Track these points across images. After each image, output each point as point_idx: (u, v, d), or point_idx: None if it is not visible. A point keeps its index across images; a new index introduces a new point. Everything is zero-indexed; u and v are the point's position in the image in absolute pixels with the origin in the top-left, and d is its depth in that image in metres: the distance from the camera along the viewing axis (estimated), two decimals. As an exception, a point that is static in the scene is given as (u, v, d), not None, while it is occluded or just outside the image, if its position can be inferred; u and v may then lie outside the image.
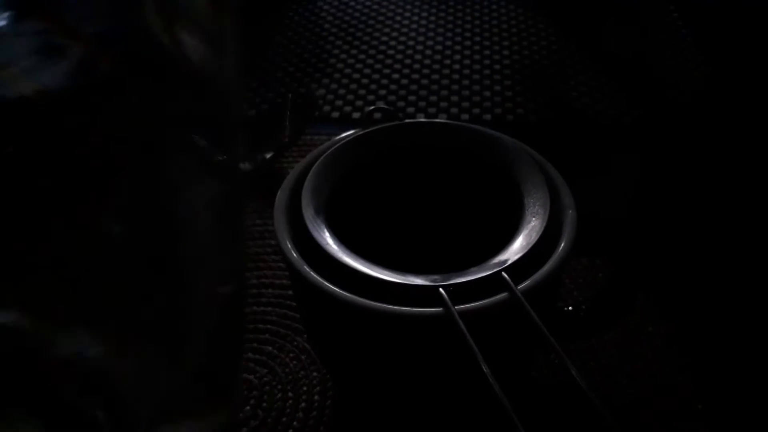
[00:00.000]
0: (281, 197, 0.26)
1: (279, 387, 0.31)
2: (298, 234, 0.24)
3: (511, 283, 0.21)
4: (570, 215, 0.24)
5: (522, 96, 0.48)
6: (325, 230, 0.24)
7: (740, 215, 0.39)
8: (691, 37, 0.52)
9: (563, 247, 0.22)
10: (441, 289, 0.21)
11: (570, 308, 0.29)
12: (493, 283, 0.21)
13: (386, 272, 0.22)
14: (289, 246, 0.23)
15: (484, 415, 0.24)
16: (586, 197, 0.27)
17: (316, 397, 0.30)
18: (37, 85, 0.61)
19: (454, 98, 0.49)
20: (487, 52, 0.54)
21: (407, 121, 0.29)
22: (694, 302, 0.34)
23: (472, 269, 0.22)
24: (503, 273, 0.22)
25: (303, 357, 0.32)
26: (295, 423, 0.29)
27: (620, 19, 0.57)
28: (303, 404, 0.30)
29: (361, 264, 0.22)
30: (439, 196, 0.29)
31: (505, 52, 0.53)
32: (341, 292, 0.21)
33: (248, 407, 0.30)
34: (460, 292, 0.21)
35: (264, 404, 0.30)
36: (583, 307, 0.29)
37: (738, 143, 0.44)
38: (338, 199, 0.26)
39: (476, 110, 0.48)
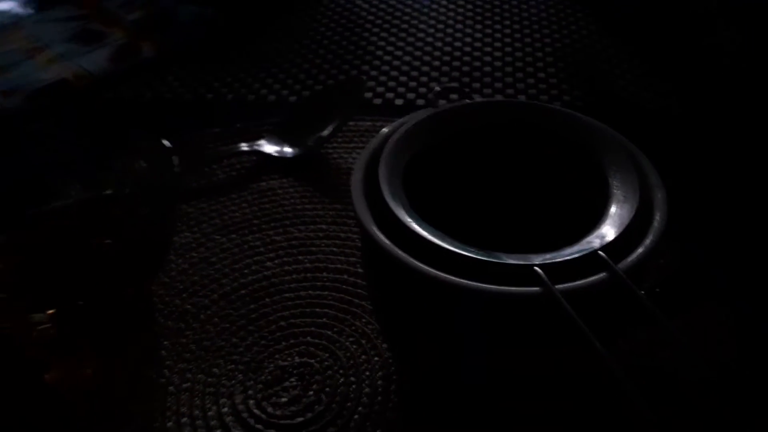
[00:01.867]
0: (356, 179, 0.25)
1: (341, 372, 0.30)
2: (377, 216, 0.24)
3: (611, 262, 0.21)
4: (660, 196, 0.23)
5: (567, 82, 0.48)
6: (408, 211, 0.23)
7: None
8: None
9: (658, 226, 0.22)
10: (537, 268, 0.21)
11: (643, 292, 0.29)
12: (589, 262, 0.21)
13: (476, 251, 0.22)
14: (374, 229, 0.23)
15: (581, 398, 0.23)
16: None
17: (379, 382, 0.30)
18: (76, 68, 0.59)
19: (498, 85, 0.48)
20: (528, 40, 0.53)
21: (480, 100, 0.29)
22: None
23: (566, 249, 0.22)
24: (600, 252, 0.21)
25: (363, 341, 0.31)
26: (360, 408, 0.29)
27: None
28: (367, 389, 0.29)
29: (449, 243, 0.22)
30: (519, 176, 0.28)
31: (547, 40, 0.53)
32: (437, 272, 0.21)
33: (311, 392, 0.29)
34: (554, 272, 0.21)
35: (327, 389, 0.29)
36: (657, 290, 0.28)
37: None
38: (415, 179, 0.25)
39: (521, 97, 0.47)
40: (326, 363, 0.31)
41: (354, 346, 0.31)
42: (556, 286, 0.20)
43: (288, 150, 0.42)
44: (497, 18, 0.56)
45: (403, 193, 0.24)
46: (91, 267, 0.32)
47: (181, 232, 0.38)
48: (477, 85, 0.48)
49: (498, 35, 0.54)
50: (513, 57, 0.51)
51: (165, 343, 0.32)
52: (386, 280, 0.24)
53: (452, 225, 0.24)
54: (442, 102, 0.29)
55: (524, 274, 0.21)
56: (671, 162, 0.41)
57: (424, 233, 0.22)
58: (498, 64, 0.51)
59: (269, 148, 0.43)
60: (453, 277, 0.21)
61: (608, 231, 0.22)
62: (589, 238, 0.22)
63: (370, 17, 0.58)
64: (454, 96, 0.29)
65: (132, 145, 0.34)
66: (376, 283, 0.26)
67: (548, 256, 0.21)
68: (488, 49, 0.52)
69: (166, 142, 0.34)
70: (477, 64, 0.51)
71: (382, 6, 0.60)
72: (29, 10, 0.63)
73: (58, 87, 0.51)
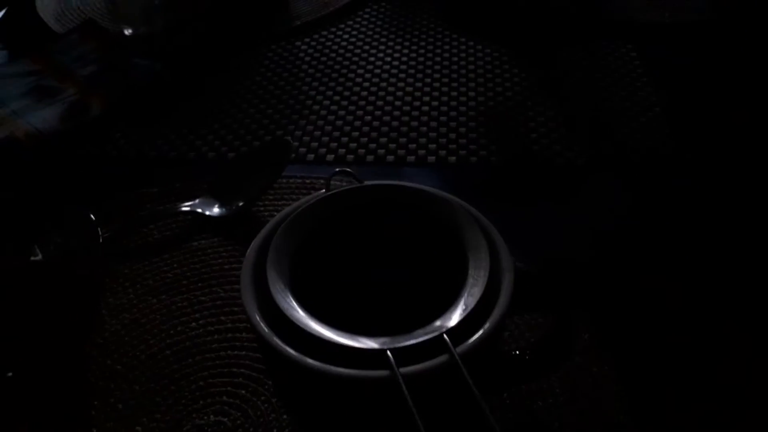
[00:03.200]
0: (247, 264, 0.28)
1: (251, 429, 0.33)
2: (263, 299, 0.27)
3: (451, 346, 0.24)
4: (507, 279, 0.26)
5: (485, 138, 0.51)
6: (286, 297, 0.26)
7: (677, 259, 0.41)
8: (658, 102, 0.55)
9: (498, 311, 0.25)
10: (388, 352, 0.24)
11: (517, 352, 0.32)
12: (436, 345, 0.24)
13: (341, 334, 0.25)
14: (256, 314, 0.26)
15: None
16: (541, 233, 0.30)
17: (285, 439, 0.33)
18: (27, 126, 0.63)
19: (422, 140, 0.52)
20: (454, 94, 0.56)
21: (365, 183, 0.32)
22: (633, 341, 0.36)
23: (418, 332, 0.25)
24: (444, 335, 0.24)
25: (273, 400, 0.34)
26: (266, 465, 0.32)
27: (585, 62, 0.60)
28: (274, 446, 0.32)
29: (319, 329, 0.25)
30: (393, 256, 0.31)
31: (471, 94, 0.56)
32: (302, 357, 0.24)
33: (223, 449, 0.32)
34: (407, 354, 0.24)
35: (237, 446, 0.32)
36: (528, 351, 0.31)
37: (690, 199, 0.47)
38: (300, 262, 0.28)
39: (443, 152, 0.50)
40: (238, 422, 0.33)
41: (265, 405, 0.34)
42: (401, 369, 0.23)
43: (218, 210, 0.45)
44: (429, 72, 0.60)
45: (288, 277, 0.27)
46: (24, 333, 0.35)
47: (117, 293, 0.41)
48: (404, 140, 0.52)
49: (427, 89, 0.57)
50: (439, 111, 0.55)
51: (95, 402, 0.35)
52: (268, 361, 0.27)
53: (332, 306, 0.27)
54: (335, 184, 0.32)
55: (381, 357, 0.24)
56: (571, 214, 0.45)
57: (299, 319, 0.25)
58: (424, 119, 0.54)
59: (203, 207, 0.45)
60: (313, 362, 0.24)
61: (454, 315, 0.25)
62: (439, 322, 0.25)
63: (310, 72, 0.61)
64: (346, 180, 0.32)
65: (61, 216, 0.37)
66: (265, 362, 0.29)
67: (402, 338, 0.24)
68: (417, 103, 0.56)
69: (92, 216, 0.37)
70: (405, 119, 0.54)
71: (323, 59, 0.63)
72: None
73: (7, 145, 0.54)
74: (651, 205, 0.45)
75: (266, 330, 0.25)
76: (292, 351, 0.24)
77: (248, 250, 0.29)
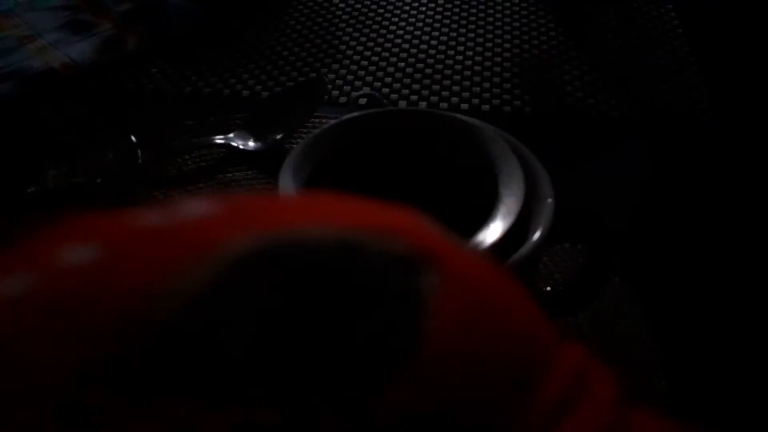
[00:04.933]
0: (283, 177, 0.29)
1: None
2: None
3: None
4: (547, 204, 0.27)
5: (519, 88, 0.51)
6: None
7: (714, 217, 0.42)
8: (691, 52, 0.54)
9: (538, 235, 0.25)
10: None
11: (548, 288, 0.32)
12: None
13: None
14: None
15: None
16: (572, 186, 0.30)
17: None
18: (63, 57, 0.63)
19: (456, 88, 0.52)
20: (489, 44, 0.56)
21: (390, 108, 0.32)
22: (663, 288, 0.37)
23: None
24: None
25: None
26: None
27: (622, 20, 0.59)
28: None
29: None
30: (418, 181, 0.32)
31: (507, 45, 0.56)
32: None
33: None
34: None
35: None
36: (560, 288, 0.32)
37: (721, 156, 0.47)
38: (319, 180, 0.29)
39: (475, 100, 0.50)
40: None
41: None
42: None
43: (254, 144, 0.46)
44: (463, 21, 0.60)
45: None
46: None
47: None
48: (437, 87, 0.52)
49: (462, 38, 0.57)
50: (473, 60, 0.55)
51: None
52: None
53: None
54: (363, 100, 0.32)
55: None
56: (609, 166, 0.45)
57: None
58: (458, 67, 0.54)
59: (237, 141, 0.46)
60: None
61: (491, 234, 0.25)
62: (475, 239, 0.25)
63: (344, 17, 0.61)
64: (363, 101, 0.33)
65: (102, 138, 0.37)
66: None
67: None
68: (451, 52, 0.56)
69: (133, 138, 0.38)
70: (439, 66, 0.54)
71: (357, 6, 0.63)
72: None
73: (45, 76, 0.54)
74: (681, 167, 0.45)
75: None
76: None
77: (282, 168, 0.29)
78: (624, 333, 0.34)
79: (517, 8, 0.61)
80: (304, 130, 0.47)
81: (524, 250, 0.25)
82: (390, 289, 0.13)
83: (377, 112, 0.31)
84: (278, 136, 0.46)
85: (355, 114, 0.31)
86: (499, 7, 0.61)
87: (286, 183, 0.27)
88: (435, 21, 0.60)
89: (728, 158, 0.46)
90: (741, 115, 0.49)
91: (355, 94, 0.51)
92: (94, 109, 0.47)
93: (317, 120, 0.49)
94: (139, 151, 0.38)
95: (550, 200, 0.27)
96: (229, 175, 0.45)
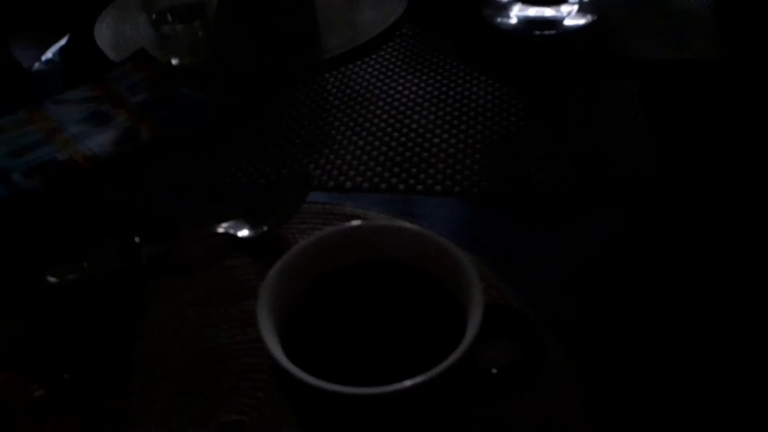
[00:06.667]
0: (265, 292, 0.34)
1: (266, 427, 0.39)
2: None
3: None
4: (478, 308, 0.32)
5: (488, 170, 0.56)
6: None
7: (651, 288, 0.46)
8: (648, 128, 0.59)
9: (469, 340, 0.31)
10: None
11: (494, 371, 0.37)
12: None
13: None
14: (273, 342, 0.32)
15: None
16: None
17: (294, 435, 0.39)
18: (86, 150, 0.71)
19: (431, 171, 0.57)
20: (463, 127, 0.62)
21: (349, 225, 0.37)
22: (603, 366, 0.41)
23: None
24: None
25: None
26: (276, 456, 0.38)
27: (584, 104, 0.64)
28: (284, 440, 0.39)
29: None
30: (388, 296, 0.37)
31: (479, 127, 0.62)
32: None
33: (241, 443, 0.39)
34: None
35: (254, 440, 0.39)
36: (503, 370, 0.37)
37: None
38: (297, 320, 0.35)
39: (448, 182, 0.56)
40: (255, 420, 0.40)
41: (278, 406, 0.40)
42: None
43: (249, 232, 0.52)
44: (442, 105, 0.65)
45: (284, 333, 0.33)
46: (78, 341, 0.42)
47: (157, 303, 0.47)
48: (414, 170, 0.57)
49: (439, 122, 0.63)
50: (448, 144, 0.60)
51: (136, 401, 0.41)
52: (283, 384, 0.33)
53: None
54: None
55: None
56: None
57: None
58: (435, 150, 0.60)
59: (235, 229, 0.52)
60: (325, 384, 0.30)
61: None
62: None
63: (334, 107, 0.67)
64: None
65: (108, 240, 0.44)
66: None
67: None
68: (429, 135, 0.62)
69: (136, 239, 0.44)
70: (417, 150, 0.60)
71: (347, 92, 0.69)
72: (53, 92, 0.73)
73: (68, 167, 0.61)
74: (640, 235, 0.50)
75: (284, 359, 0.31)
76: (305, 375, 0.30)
77: (260, 290, 0.35)
78: (567, 410, 0.39)
79: (491, 89, 0.67)
80: (295, 217, 0.53)
81: (458, 352, 0.30)
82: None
83: (336, 232, 0.37)
84: (270, 225, 0.52)
85: (314, 237, 0.37)
86: (475, 89, 0.67)
87: (265, 325, 0.33)
88: (417, 105, 0.66)
89: (685, 227, 0.50)
90: (695, 182, 0.54)
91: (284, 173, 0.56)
92: (101, 210, 0.54)
93: (307, 205, 0.54)
94: (142, 250, 0.44)
95: (480, 301, 0.32)
96: (227, 261, 0.51)
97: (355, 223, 0.38)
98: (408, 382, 0.29)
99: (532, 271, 0.48)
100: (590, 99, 0.64)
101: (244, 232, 0.52)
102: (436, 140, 0.61)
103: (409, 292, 0.37)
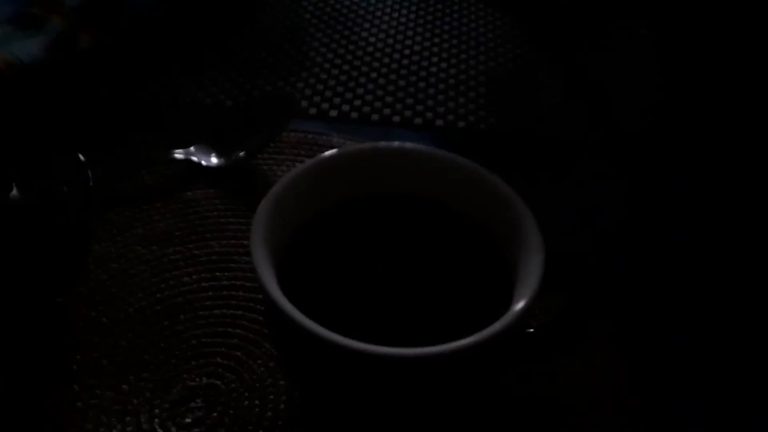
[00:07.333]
0: (258, 222, 0.26)
1: (246, 394, 0.31)
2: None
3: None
4: (538, 261, 0.25)
5: (495, 106, 0.49)
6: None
7: (693, 243, 0.40)
8: (657, 57, 0.53)
9: (527, 299, 0.24)
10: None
11: (531, 330, 0.31)
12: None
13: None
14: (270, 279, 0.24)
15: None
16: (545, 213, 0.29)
17: (282, 407, 0.31)
18: (7, 55, 0.59)
19: (430, 102, 0.49)
20: (463, 56, 0.54)
21: (371, 145, 0.30)
22: (642, 326, 0.35)
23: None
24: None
25: (271, 364, 0.33)
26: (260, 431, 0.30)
27: (592, 37, 0.58)
28: (269, 413, 0.31)
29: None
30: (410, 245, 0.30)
31: (482, 58, 0.54)
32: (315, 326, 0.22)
33: (215, 413, 0.31)
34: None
35: (231, 411, 0.31)
36: (542, 330, 0.30)
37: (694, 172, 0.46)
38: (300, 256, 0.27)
39: (450, 117, 0.48)
40: (232, 385, 0.32)
41: (261, 369, 0.32)
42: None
43: (216, 160, 0.43)
44: (437, 31, 0.58)
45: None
46: (6, 279, 0.33)
47: (104, 240, 0.38)
48: (410, 101, 0.50)
49: (436, 49, 0.55)
50: (447, 74, 0.53)
51: (77, 357, 0.33)
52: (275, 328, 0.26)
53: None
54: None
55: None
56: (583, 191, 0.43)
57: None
58: (432, 80, 0.52)
59: (199, 156, 0.43)
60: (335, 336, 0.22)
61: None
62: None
63: (314, 20, 0.58)
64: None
65: (48, 158, 0.34)
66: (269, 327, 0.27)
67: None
68: (425, 63, 0.54)
69: (81, 157, 0.35)
70: (413, 79, 0.52)
71: (327, 10, 0.60)
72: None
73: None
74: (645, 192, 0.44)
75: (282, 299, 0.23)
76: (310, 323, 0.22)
77: (257, 211, 0.27)
78: (609, 375, 0.33)
79: (491, 20, 0.59)
80: (271, 146, 0.45)
81: (512, 314, 0.23)
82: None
83: (353, 151, 0.29)
84: (242, 153, 0.43)
85: (329, 154, 0.28)
86: (473, 25, 0.59)
87: (259, 257, 0.24)
88: (409, 29, 0.58)
89: (692, 181, 0.44)
90: (705, 134, 0.48)
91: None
92: (38, 125, 0.44)
93: (285, 133, 0.46)
94: (89, 171, 0.34)
95: (540, 257, 0.25)
96: (189, 193, 0.42)
97: (380, 144, 0.30)
98: (452, 345, 0.22)
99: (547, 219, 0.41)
100: (600, 42, 0.57)
101: (210, 160, 0.43)
102: (434, 69, 0.53)
103: (437, 232, 0.30)
